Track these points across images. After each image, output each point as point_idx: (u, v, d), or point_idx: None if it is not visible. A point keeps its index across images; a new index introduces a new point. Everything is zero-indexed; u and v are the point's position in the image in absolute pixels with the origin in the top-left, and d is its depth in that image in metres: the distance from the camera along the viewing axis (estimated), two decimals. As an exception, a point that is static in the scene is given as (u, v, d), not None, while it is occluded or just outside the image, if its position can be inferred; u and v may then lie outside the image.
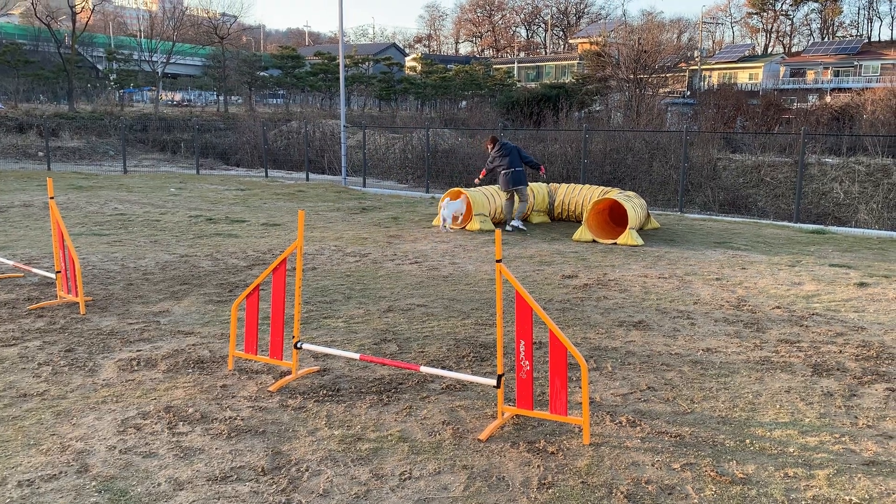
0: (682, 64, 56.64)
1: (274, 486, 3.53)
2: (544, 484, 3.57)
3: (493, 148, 11.76)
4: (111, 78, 49.01)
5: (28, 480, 3.54)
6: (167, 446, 3.92)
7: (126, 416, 4.30)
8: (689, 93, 56.53)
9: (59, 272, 6.81)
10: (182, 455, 3.83)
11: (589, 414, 4.08)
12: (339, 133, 21.18)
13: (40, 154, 26.29)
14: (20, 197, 15.10)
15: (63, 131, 30.58)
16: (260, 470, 3.68)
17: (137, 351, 5.48)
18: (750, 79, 65.16)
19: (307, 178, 21.86)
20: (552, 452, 3.90)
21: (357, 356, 4.94)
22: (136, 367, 5.13)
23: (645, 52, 42.81)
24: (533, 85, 54.15)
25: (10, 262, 7.81)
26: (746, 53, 72.02)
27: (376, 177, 22.65)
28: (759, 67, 66.44)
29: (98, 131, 32.05)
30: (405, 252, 9.84)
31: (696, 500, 3.43)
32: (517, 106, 38.20)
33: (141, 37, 55.09)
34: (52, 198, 6.81)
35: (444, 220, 11.57)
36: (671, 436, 4.13)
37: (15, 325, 6.08)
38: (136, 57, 50.90)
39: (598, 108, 43.94)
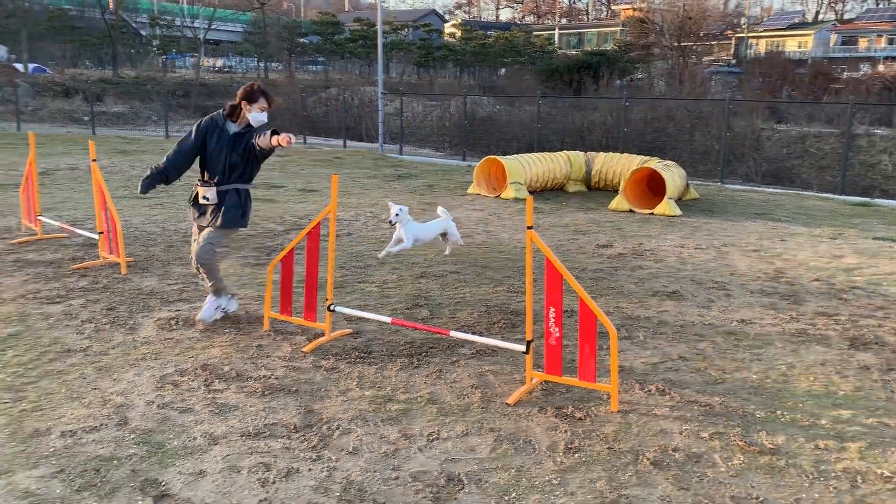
0: (729, 32, 55.15)
1: (305, 442, 3.62)
2: (570, 448, 3.60)
3: None
4: (154, 44, 49.55)
5: (71, 431, 3.68)
6: (203, 402, 4.04)
7: (164, 373, 4.43)
8: (734, 61, 55.07)
9: (102, 233, 6.99)
10: (217, 411, 3.94)
11: (618, 381, 4.08)
12: (377, 100, 21.17)
13: (86, 118, 26.79)
14: (66, 160, 15.44)
15: (107, 96, 31.10)
16: (292, 427, 3.77)
17: (176, 311, 5.62)
18: (799, 47, 63.13)
19: (345, 146, 21.95)
20: (579, 418, 3.92)
21: (389, 320, 5.00)
22: (174, 326, 5.26)
23: (690, 18, 41.76)
24: (574, 52, 53.23)
25: (56, 223, 8.03)
26: (796, 21, 69.69)
27: (413, 144, 22.61)
28: (809, 35, 64.31)
29: (141, 97, 32.52)
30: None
31: (723, 469, 3.43)
32: (557, 73, 37.64)
33: (183, 3, 55.42)
34: (94, 160, 6.96)
35: (400, 241, 7.02)
36: (701, 405, 4.12)
37: (60, 284, 6.27)
38: (178, 23, 51.28)
39: (639, 77, 43.11)
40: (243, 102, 4.99)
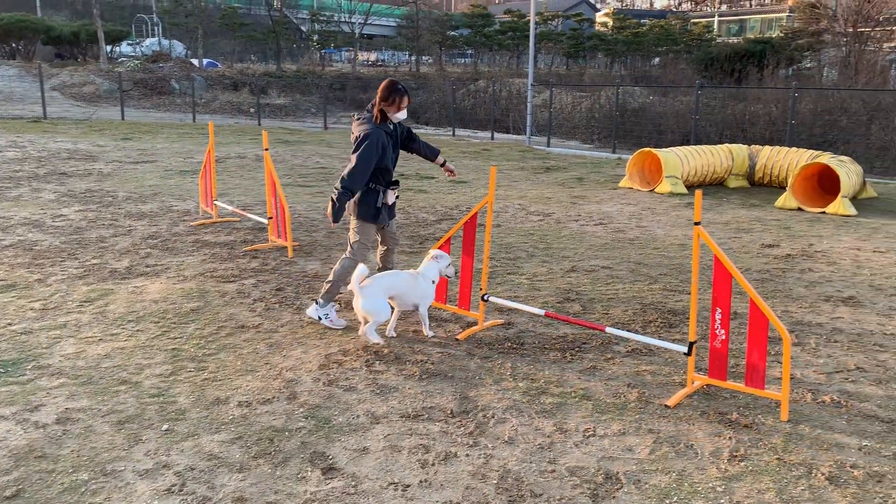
0: (914, 14, 50.14)
1: (462, 428, 3.69)
2: (736, 456, 3.43)
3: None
4: (313, 39, 52.00)
5: (247, 402, 3.96)
6: (365, 382, 4.21)
7: (329, 352, 4.66)
8: (919, 47, 50.02)
9: (271, 218, 7.44)
10: (378, 391, 4.09)
11: (789, 389, 3.84)
12: (525, 92, 21.09)
13: (251, 110, 28.61)
14: (235, 149, 16.57)
15: (271, 89, 33.02)
16: (449, 412, 3.86)
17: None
18: None
19: (492, 137, 22.06)
20: (745, 426, 3.73)
21: (542, 312, 4.99)
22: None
23: (868, 1, 38.35)
24: (735, 40, 50.45)
25: (230, 208, 8.64)
26: None
27: (561, 136, 22.36)
28: None
29: (301, 89, 34.27)
30: (589, 213, 9.70)
31: (910, 492, 3.15)
32: (716, 62, 35.81)
33: (341, -1, 57.72)
34: (266, 150, 7.41)
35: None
36: (882, 421, 3.80)
37: (234, 264, 6.74)
38: (336, 18, 53.52)
39: (808, 66, 40.17)
40: (387, 106, 4.95)
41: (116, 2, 52.43)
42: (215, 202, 8.58)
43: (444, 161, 5.44)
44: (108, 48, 38.38)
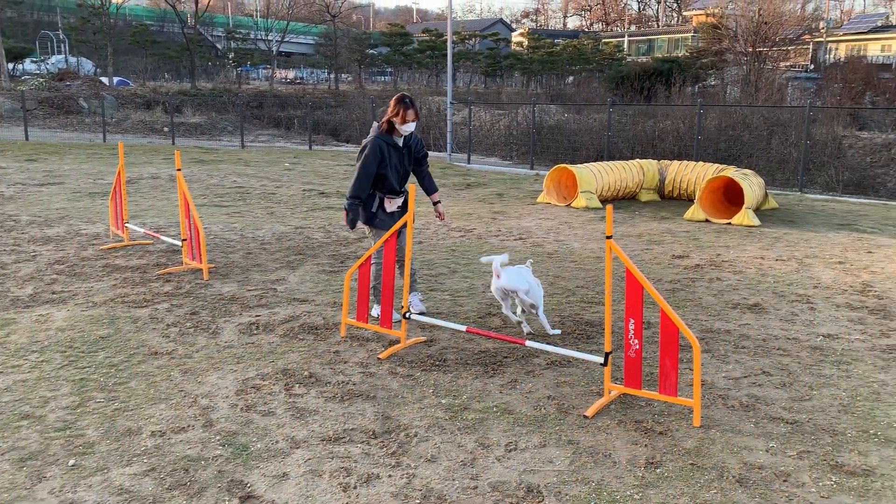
0: (806, 36, 53.27)
1: (384, 448, 3.66)
2: (652, 463, 3.53)
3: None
4: (229, 57, 51.15)
5: (160, 431, 3.81)
6: (284, 406, 4.13)
7: (246, 377, 4.55)
8: (812, 66, 53.20)
9: (185, 240, 7.24)
10: (298, 415, 4.02)
11: (700, 396, 3.99)
12: (445, 110, 21.30)
13: (165, 129, 27.83)
14: (148, 170, 16.07)
15: (186, 108, 32.23)
16: (371, 433, 3.82)
17: (256, 316, 5.77)
18: (882, 51, 60.53)
19: (413, 154, 22.10)
20: (660, 433, 3.84)
21: (463, 328, 5.02)
22: (254, 331, 5.41)
23: (765, 23, 40.54)
24: (644, 59, 52.42)
25: (141, 230, 8.36)
26: (879, 24, 66.85)
27: (481, 153, 22.64)
28: (894, 39, 61.61)
29: (217, 108, 33.59)
30: (509, 228, 9.84)
31: (812, 490, 3.30)
32: (627, 81, 37.14)
33: (257, 16, 57.09)
34: (179, 170, 7.22)
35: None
36: (787, 422, 3.98)
37: (146, 289, 6.52)
38: (252, 36, 52.87)
39: (713, 83, 42.09)
40: (393, 117, 5.30)
41: (19, 18, 50.25)
42: (126, 225, 8.28)
43: (438, 202, 5.75)
44: (10, 66, 36.68)
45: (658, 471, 3.47)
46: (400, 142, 5.43)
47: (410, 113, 5.29)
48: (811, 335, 5.47)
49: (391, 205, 5.50)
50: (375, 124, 5.43)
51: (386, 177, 5.37)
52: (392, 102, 5.32)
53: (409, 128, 5.35)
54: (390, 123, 5.34)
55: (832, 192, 15.35)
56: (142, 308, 5.95)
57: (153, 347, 5.06)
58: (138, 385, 4.42)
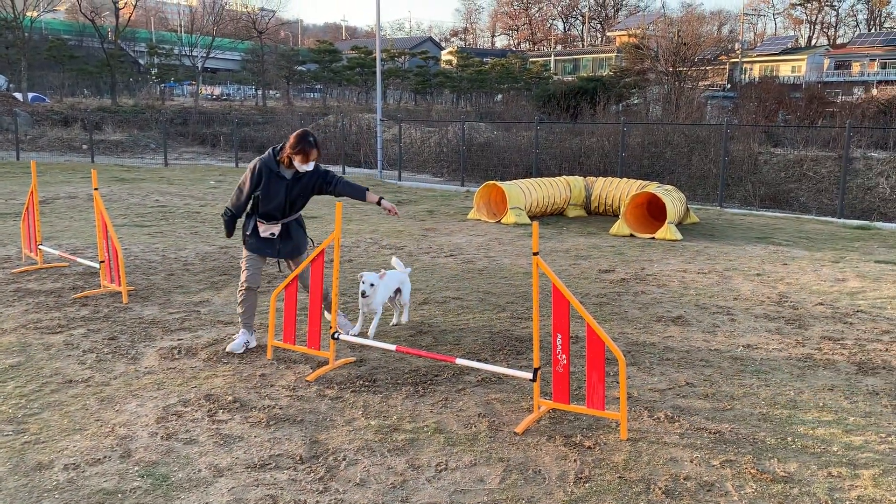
0: (723, 57, 55.65)
1: (311, 474, 3.57)
2: (581, 478, 3.55)
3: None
4: (152, 72, 49.89)
5: (74, 464, 3.62)
6: (207, 433, 3.99)
7: (167, 404, 4.38)
8: (729, 86, 55.53)
9: (103, 262, 6.96)
10: (222, 442, 3.89)
11: (627, 409, 4.04)
12: (375, 127, 21.28)
13: (84, 147, 26.86)
14: (65, 189, 15.45)
15: (106, 125, 31.22)
16: (298, 458, 3.72)
17: (178, 340, 5.58)
18: (793, 71, 63.73)
19: (343, 172, 21.98)
20: (589, 447, 3.87)
21: (393, 347, 4.97)
22: (176, 356, 5.22)
23: (684, 44, 42.17)
24: (570, 78, 53.68)
25: (56, 252, 8.00)
26: (789, 46, 70.43)
27: (412, 170, 22.69)
28: (803, 60, 64.93)
29: (140, 125, 32.65)
30: (440, 245, 9.85)
31: (735, 498, 3.38)
32: (554, 99, 37.91)
33: (181, 32, 55.88)
34: (96, 189, 6.95)
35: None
36: (710, 432, 4.08)
37: (61, 314, 6.23)
38: (176, 52, 51.67)
39: (636, 102, 43.43)
40: (294, 154, 5.13)
41: (-77, 30, 47.75)
42: (40, 247, 7.91)
43: (381, 199, 5.38)
44: (-86, 80, 34.82)
45: (587, 485, 3.49)
46: (288, 174, 5.23)
47: (313, 153, 5.14)
48: (732, 346, 5.64)
49: (264, 230, 5.33)
50: (273, 149, 5.24)
51: (261, 201, 5.24)
52: (294, 139, 5.12)
53: (309, 167, 5.20)
54: (290, 159, 5.16)
55: (749, 207, 15.97)
56: (56, 334, 5.67)
57: (68, 375, 4.82)
58: (51, 416, 4.20)
